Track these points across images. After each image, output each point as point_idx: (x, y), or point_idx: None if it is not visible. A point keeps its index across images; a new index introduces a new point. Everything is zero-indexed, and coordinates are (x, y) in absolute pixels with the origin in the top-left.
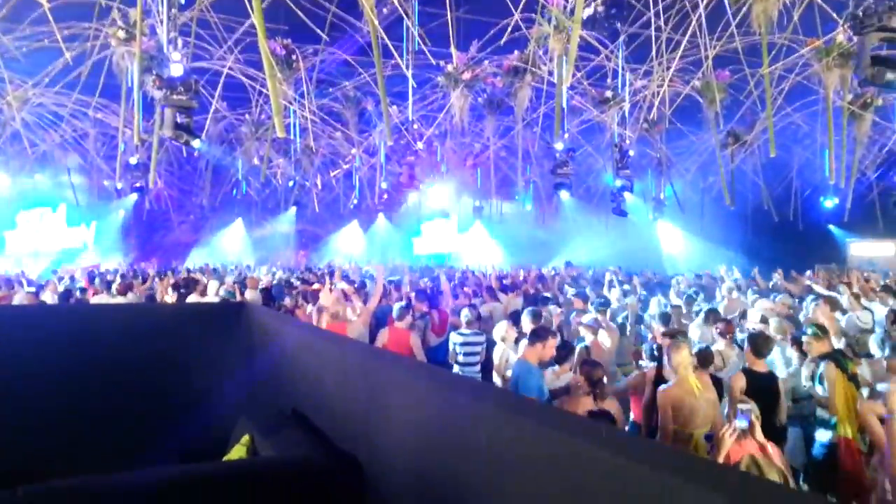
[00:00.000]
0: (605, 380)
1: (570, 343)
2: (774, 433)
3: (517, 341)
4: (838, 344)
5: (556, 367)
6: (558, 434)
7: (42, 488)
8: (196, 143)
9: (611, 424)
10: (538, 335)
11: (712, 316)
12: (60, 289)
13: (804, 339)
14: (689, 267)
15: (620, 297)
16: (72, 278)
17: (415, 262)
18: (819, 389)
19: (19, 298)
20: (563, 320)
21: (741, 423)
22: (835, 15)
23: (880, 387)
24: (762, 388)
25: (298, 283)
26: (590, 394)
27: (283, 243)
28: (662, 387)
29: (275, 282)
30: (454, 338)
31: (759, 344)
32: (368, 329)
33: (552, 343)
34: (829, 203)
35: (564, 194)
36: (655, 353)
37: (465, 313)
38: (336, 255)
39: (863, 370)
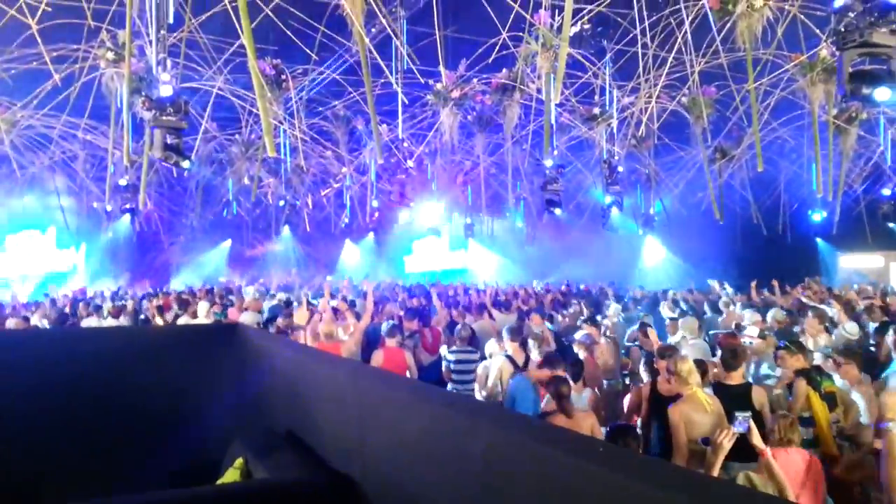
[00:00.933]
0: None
1: (580, 360)
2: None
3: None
4: (820, 360)
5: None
6: (553, 451)
7: None
8: (185, 164)
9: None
10: (551, 362)
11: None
12: (51, 314)
13: (778, 352)
14: (679, 282)
15: (619, 313)
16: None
17: (406, 281)
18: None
19: (10, 325)
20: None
21: (739, 429)
22: (818, 31)
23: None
24: (733, 400)
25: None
26: (560, 411)
27: (283, 263)
28: (673, 404)
29: (274, 302)
30: (447, 355)
31: (728, 358)
32: (360, 348)
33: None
34: (818, 216)
35: (557, 211)
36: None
37: (459, 330)
38: (334, 273)
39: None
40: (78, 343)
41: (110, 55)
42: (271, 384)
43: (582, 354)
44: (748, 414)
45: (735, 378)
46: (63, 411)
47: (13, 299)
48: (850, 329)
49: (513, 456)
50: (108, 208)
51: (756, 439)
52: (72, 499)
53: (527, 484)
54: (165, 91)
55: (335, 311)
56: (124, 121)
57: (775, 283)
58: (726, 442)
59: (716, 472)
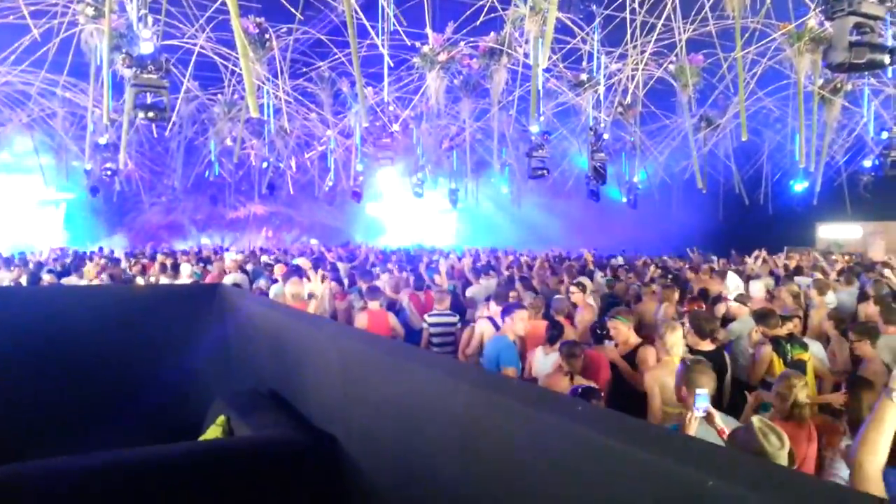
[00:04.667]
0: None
1: (560, 324)
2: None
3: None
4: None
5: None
6: (533, 410)
7: (11, 469)
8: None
9: (597, 400)
10: (507, 310)
11: None
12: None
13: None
14: (662, 250)
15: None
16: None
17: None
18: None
19: None
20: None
21: (699, 414)
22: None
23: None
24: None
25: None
26: (568, 374)
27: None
28: (650, 368)
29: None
30: (426, 319)
31: (702, 324)
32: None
33: (520, 315)
34: (799, 187)
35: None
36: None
37: (440, 295)
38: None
39: None
40: (59, 301)
41: (90, 10)
42: (255, 345)
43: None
44: (705, 392)
45: (706, 344)
46: (47, 369)
47: None
48: (829, 299)
49: (492, 415)
50: (88, 167)
51: (718, 420)
52: (54, 454)
53: (506, 443)
54: (146, 48)
55: (299, 269)
56: (104, 78)
57: (762, 253)
58: (693, 427)
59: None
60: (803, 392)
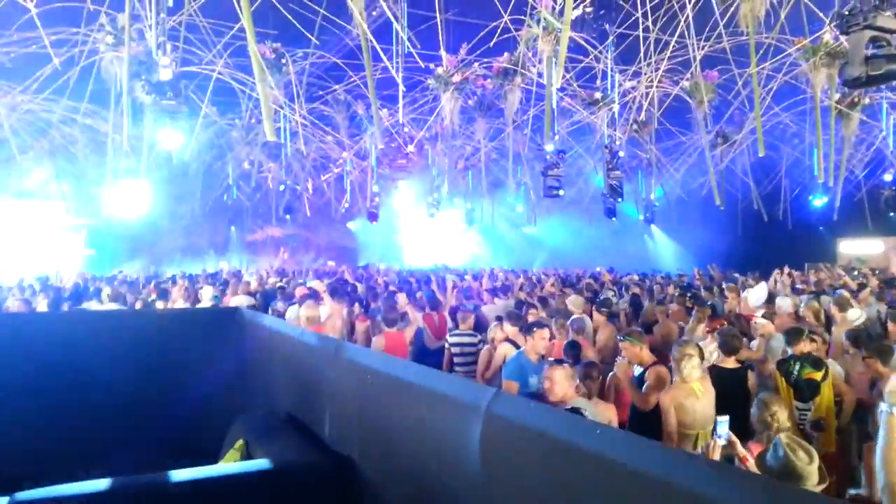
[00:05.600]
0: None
1: (577, 343)
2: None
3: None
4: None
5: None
6: (551, 434)
7: (35, 493)
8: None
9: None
10: (528, 328)
11: None
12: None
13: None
14: (680, 267)
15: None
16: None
17: (405, 267)
18: None
19: (13, 306)
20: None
21: (721, 441)
22: (821, 14)
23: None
24: (729, 383)
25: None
26: (584, 395)
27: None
28: (665, 389)
29: (267, 287)
30: (448, 339)
31: (730, 341)
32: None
33: (541, 334)
34: (818, 202)
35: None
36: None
37: (463, 315)
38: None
39: None
40: (82, 326)
41: (110, 39)
42: (271, 367)
43: (574, 339)
44: (726, 419)
45: (730, 362)
46: (67, 392)
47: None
48: (851, 316)
49: (511, 439)
50: (108, 193)
51: (738, 449)
52: (75, 477)
53: (524, 467)
54: (165, 75)
55: (314, 293)
56: (124, 105)
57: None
58: (716, 454)
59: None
60: (783, 414)
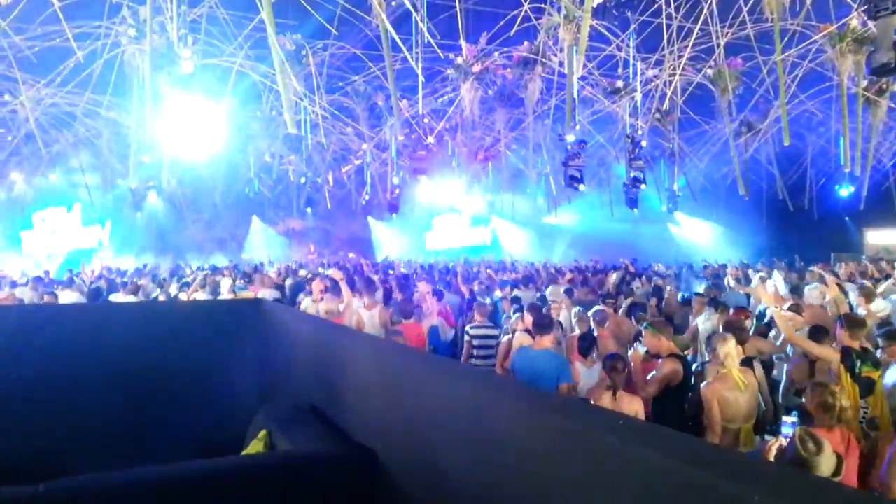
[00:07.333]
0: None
1: (591, 335)
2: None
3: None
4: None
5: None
6: (574, 425)
7: (63, 483)
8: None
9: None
10: (543, 326)
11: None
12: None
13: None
14: (704, 258)
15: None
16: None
17: (427, 258)
18: None
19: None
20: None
21: (783, 441)
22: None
23: None
24: None
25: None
26: (610, 388)
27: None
28: (706, 382)
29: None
30: (468, 331)
31: (738, 334)
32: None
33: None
34: (845, 192)
35: (581, 187)
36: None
37: (479, 307)
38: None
39: None
40: (107, 318)
41: (132, 32)
42: (295, 358)
43: (596, 330)
44: (793, 420)
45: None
46: (93, 383)
47: (45, 275)
48: (876, 307)
49: (534, 431)
50: (133, 185)
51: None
52: (101, 467)
53: (547, 455)
54: (186, 67)
55: (333, 282)
56: (146, 97)
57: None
58: (772, 454)
59: None
60: (845, 401)
